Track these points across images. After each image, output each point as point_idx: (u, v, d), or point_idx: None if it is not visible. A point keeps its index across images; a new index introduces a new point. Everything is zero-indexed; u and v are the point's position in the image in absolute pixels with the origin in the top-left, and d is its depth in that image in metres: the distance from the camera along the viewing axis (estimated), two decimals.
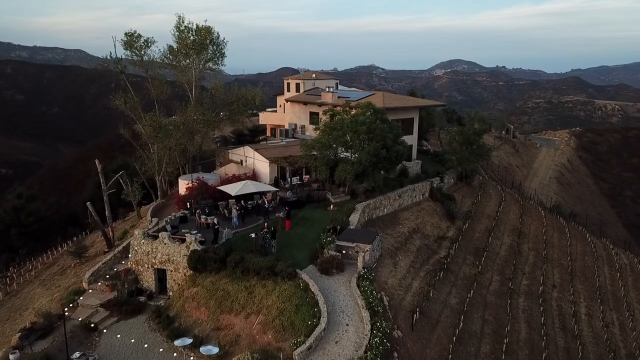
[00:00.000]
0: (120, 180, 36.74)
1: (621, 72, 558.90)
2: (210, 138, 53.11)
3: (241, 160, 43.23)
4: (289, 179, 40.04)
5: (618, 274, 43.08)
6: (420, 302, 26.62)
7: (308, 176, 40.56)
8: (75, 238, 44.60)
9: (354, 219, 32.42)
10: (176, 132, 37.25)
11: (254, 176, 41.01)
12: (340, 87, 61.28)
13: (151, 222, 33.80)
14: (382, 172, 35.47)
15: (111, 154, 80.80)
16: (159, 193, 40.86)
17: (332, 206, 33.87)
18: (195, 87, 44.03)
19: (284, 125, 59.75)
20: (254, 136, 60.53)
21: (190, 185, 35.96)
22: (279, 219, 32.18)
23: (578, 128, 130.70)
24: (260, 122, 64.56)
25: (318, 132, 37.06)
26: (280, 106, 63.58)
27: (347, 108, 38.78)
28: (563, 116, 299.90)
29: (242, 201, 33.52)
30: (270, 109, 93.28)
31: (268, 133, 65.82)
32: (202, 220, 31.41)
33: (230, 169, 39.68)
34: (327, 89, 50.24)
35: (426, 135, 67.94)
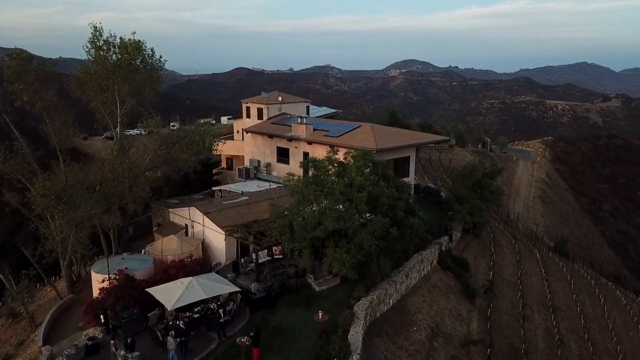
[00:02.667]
0: (2, 277, 24.33)
1: (565, 72, 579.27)
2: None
3: (186, 226, 31.59)
4: (253, 255, 28.76)
5: None
6: None
7: (280, 247, 29.39)
8: None
9: (356, 337, 21.67)
10: (86, 201, 25.15)
11: (204, 253, 29.56)
12: (311, 108, 50.50)
13: (41, 353, 21.78)
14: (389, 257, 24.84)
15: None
16: (65, 284, 28.49)
17: (320, 314, 23.09)
18: (120, 123, 32.01)
19: (242, 156, 48.47)
20: (205, 172, 48.47)
21: (107, 283, 24.10)
22: (241, 345, 20.95)
23: (550, 137, 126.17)
24: (214, 152, 52.71)
25: (294, 194, 26.02)
26: (237, 132, 52.07)
27: (334, 156, 28.10)
28: (517, 116, 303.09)
29: (181, 322, 21.81)
30: (226, 119, 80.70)
31: (223, 164, 54.22)
32: (120, 359, 19.78)
33: (169, 246, 28.00)
34: (298, 119, 39.37)
35: None
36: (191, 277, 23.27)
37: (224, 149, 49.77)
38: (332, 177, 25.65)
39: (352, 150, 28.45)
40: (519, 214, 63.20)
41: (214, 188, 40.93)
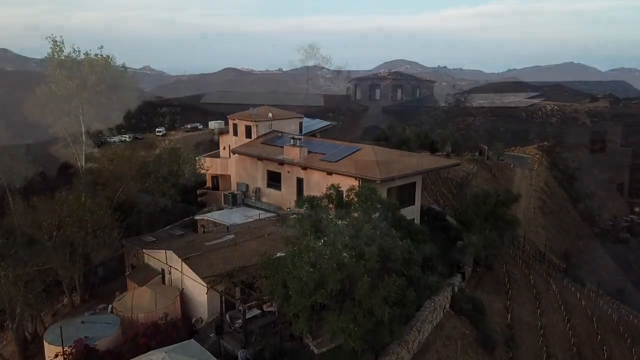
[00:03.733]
0: None
1: (553, 72, 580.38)
2: None
3: (163, 271, 27.30)
4: (240, 310, 24.60)
5: None
6: None
7: (271, 302, 25.24)
8: None
9: None
10: (38, 253, 20.83)
11: (183, 304, 25.34)
12: (305, 120, 46.29)
13: None
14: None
15: None
16: (16, 349, 24.10)
17: None
18: (85, 152, 27.66)
19: (229, 175, 44.29)
20: (190, 192, 44.06)
21: (61, 358, 19.79)
22: None
23: (546, 142, 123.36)
24: (198, 172, 48.30)
25: (289, 245, 21.91)
26: (224, 148, 47.71)
27: (332, 193, 24.15)
28: (506, 116, 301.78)
29: None
30: (215, 123, 75.80)
31: (209, 183, 49.88)
32: None
33: (141, 301, 23.71)
34: (290, 140, 35.27)
35: None
36: (164, 352, 19.04)
37: (210, 168, 45.42)
38: (335, 222, 21.69)
39: (355, 186, 24.59)
40: (525, 233, 59.67)
41: (196, 217, 36.66)
